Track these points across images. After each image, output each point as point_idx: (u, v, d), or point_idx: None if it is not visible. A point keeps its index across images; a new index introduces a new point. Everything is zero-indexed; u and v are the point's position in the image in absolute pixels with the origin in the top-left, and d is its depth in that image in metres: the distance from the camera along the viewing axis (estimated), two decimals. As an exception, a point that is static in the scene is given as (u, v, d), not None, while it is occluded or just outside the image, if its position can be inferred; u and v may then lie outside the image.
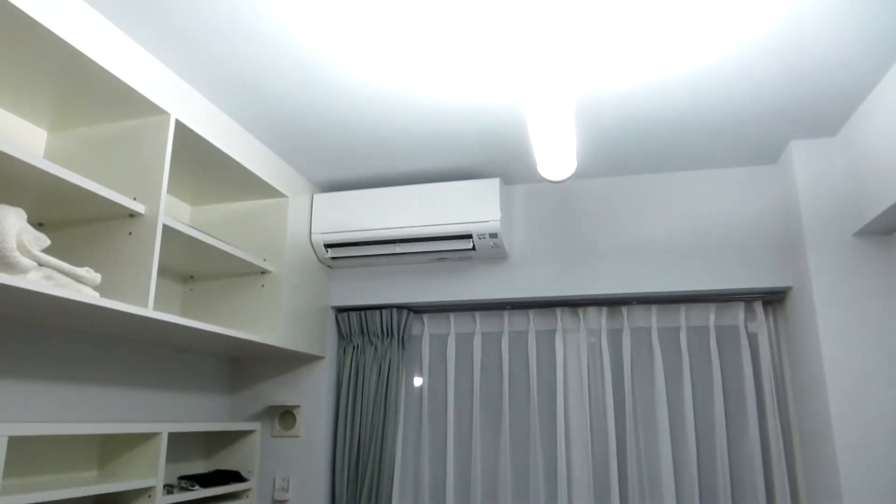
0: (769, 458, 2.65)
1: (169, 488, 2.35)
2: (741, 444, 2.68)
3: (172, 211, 2.64)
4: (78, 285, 1.66)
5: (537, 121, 1.79)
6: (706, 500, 2.65)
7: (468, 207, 2.73)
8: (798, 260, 2.55)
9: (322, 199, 2.91)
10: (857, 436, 2.24)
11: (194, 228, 2.17)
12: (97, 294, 1.69)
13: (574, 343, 2.93)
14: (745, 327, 2.76)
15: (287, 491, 2.86)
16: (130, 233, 1.91)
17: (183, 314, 2.66)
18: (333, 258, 2.91)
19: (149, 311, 1.84)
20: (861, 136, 2.27)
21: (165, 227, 1.99)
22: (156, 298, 2.51)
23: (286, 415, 2.95)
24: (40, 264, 1.57)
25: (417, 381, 3.05)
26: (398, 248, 2.83)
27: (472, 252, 2.81)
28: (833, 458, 2.26)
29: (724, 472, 2.63)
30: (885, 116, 2.08)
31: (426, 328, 3.07)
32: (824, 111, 2.30)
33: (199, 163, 2.36)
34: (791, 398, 2.70)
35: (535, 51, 1.72)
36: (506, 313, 3.00)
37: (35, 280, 1.53)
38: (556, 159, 1.80)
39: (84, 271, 1.68)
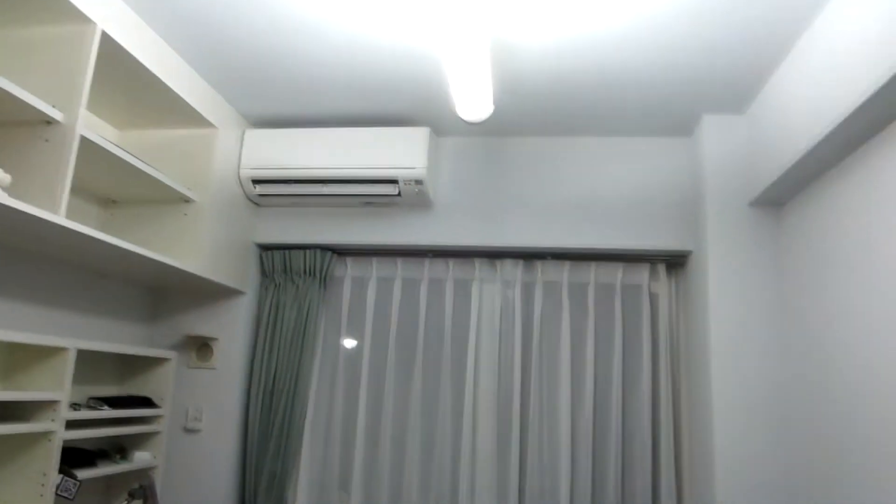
0: (658, 413, 2.84)
1: (76, 406, 2.35)
2: (634, 396, 2.87)
3: (97, 131, 2.60)
4: (-14, 183, 1.65)
5: (453, 59, 1.86)
6: (599, 446, 2.83)
7: (396, 153, 2.79)
8: (699, 226, 2.73)
9: (253, 135, 2.91)
10: (733, 397, 2.44)
11: (115, 145, 2.16)
12: (5, 194, 1.68)
13: (489, 293, 3.06)
14: (649, 287, 2.94)
15: (200, 421, 2.89)
16: (47, 140, 1.89)
17: (100, 235, 2.64)
18: (261, 195, 2.93)
19: (59, 219, 1.83)
20: (764, 113, 2.45)
21: (84, 139, 1.98)
22: (73, 217, 2.46)
23: (203, 347, 2.97)
24: (-53, 156, 1.55)
25: (336, 322, 3.12)
26: (325, 189, 2.87)
27: (398, 198, 2.88)
28: (710, 418, 2.46)
29: (617, 422, 2.81)
30: (783, 96, 2.25)
31: (348, 270, 3.14)
32: (735, 88, 2.46)
33: (128, 83, 2.33)
34: (683, 357, 2.90)
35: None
36: (427, 261, 3.09)
37: (-60, 171, 1.52)
38: (471, 99, 1.88)
39: (-6, 170, 1.67)
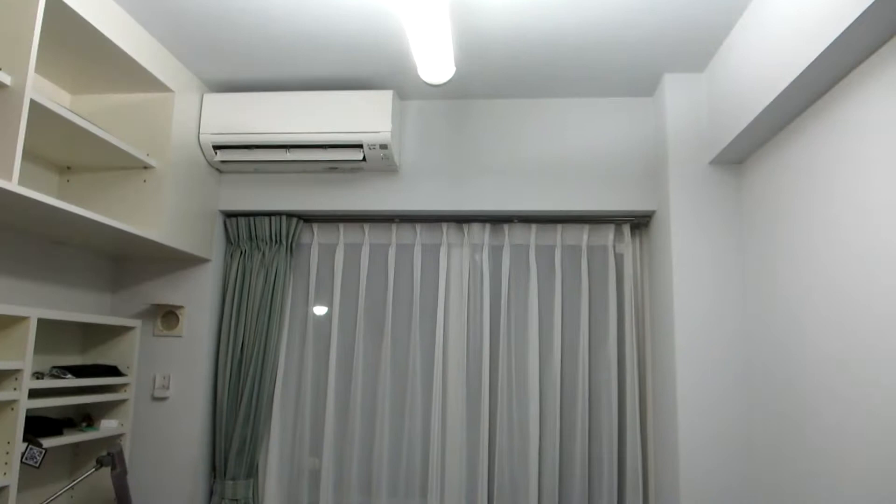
0: (623, 367, 2.92)
1: (39, 375, 2.34)
2: (601, 356, 2.93)
3: (50, 95, 2.53)
4: (-68, 148, 1.60)
5: (414, 20, 1.84)
6: (566, 403, 2.90)
7: (360, 117, 2.77)
8: (661, 186, 2.77)
9: (212, 100, 2.86)
10: (696, 354, 2.50)
11: (68, 110, 2.11)
12: (-46, 160, 1.64)
13: (457, 258, 3.07)
14: (614, 248, 2.99)
15: (168, 389, 2.89)
16: (-6, 104, 1.84)
17: (59, 205, 2.59)
18: (222, 161, 2.89)
19: (13, 186, 1.79)
20: (722, 71, 2.47)
21: (35, 103, 1.92)
22: (29, 184, 2.42)
23: (169, 315, 2.95)
24: None
25: (304, 288, 3.11)
26: (289, 155, 2.84)
27: (363, 163, 2.86)
28: (674, 375, 2.53)
29: (584, 379, 2.88)
30: (740, 53, 2.27)
31: (315, 237, 3.13)
32: (694, 46, 2.47)
33: (78, 45, 2.27)
34: (648, 316, 2.96)
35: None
36: (394, 226, 3.09)
37: None
38: (434, 61, 1.87)
39: (-61, 135, 1.62)
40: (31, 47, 1.86)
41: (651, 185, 2.86)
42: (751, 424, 2.43)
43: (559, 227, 3.01)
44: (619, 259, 3.00)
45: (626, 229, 2.99)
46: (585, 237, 2.99)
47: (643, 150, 2.90)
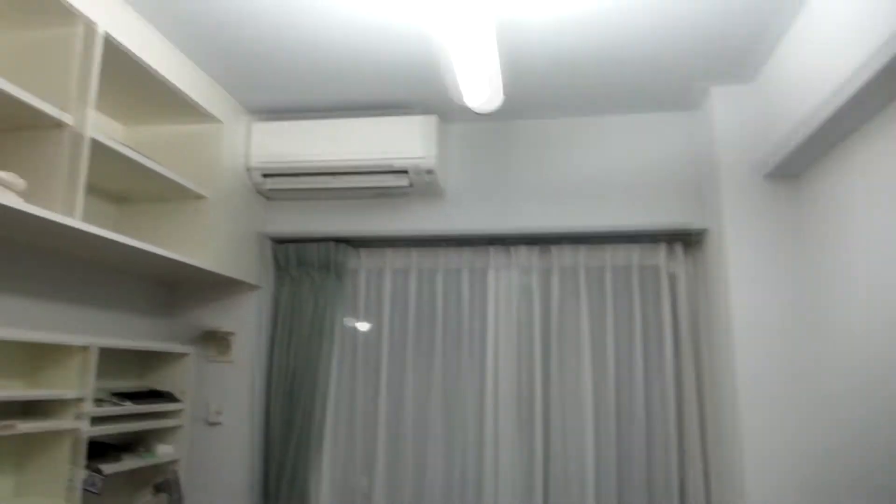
0: (682, 392, 2.83)
1: (99, 402, 2.39)
2: (657, 378, 2.84)
3: (106, 130, 2.62)
4: (2, 189, 1.67)
5: (459, 50, 1.84)
6: (623, 430, 2.82)
7: (405, 143, 2.78)
8: (713, 202, 2.69)
9: (260, 128, 2.92)
10: (757, 373, 2.41)
11: (125, 146, 2.17)
12: (21, 199, 1.70)
13: (505, 281, 3.05)
14: (666, 267, 2.91)
15: (220, 414, 2.93)
16: (57, 143, 1.91)
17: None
18: (271, 189, 2.94)
19: (76, 222, 1.86)
20: (773, 82, 2.40)
21: (94, 141, 1.99)
22: (87, 217, 2.48)
23: (221, 341, 3.00)
24: (-41, 163, 1.57)
25: (353, 314, 3.13)
26: (335, 182, 2.87)
27: (409, 188, 2.87)
28: (735, 392, 2.44)
29: (640, 403, 2.80)
30: (793, 63, 2.21)
31: (363, 262, 3.15)
32: (741, 57, 2.41)
33: (132, 81, 2.34)
34: (704, 335, 2.87)
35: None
36: (441, 250, 3.09)
37: (-46, 178, 1.54)
38: (480, 90, 1.86)
39: (8, 175, 1.69)
40: (90, 87, 1.93)
41: (703, 201, 2.79)
42: (818, 445, 2.32)
43: (608, 247, 2.96)
44: (671, 278, 2.93)
45: (679, 248, 2.92)
46: (636, 257, 2.93)
47: (692, 165, 2.83)
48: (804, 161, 2.35)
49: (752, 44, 2.32)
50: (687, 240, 2.91)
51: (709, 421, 2.79)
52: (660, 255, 2.93)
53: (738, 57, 2.41)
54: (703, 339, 2.87)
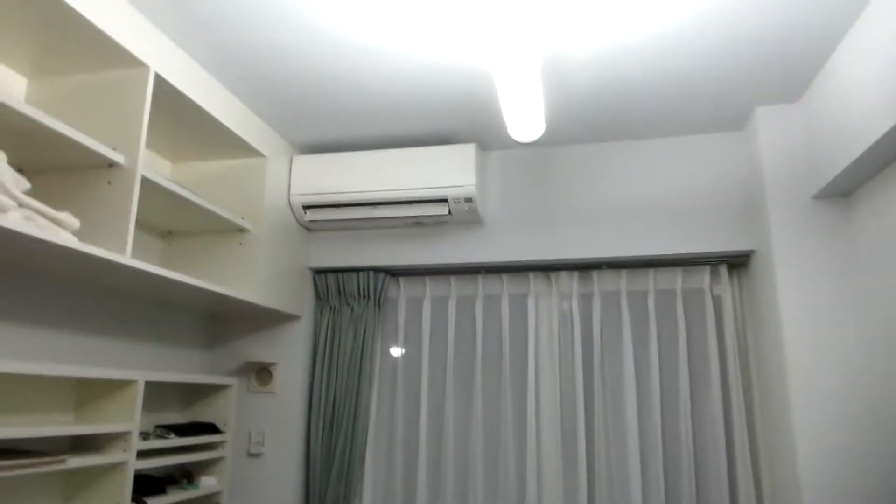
0: (731, 419, 2.75)
1: (145, 435, 2.41)
2: (704, 404, 2.78)
3: (153, 166, 2.68)
4: (57, 228, 1.71)
5: (505, 80, 1.85)
6: (669, 458, 2.75)
7: (444, 172, 2.79)
8: (760, 224, 2.64)
9: (301, 161, 2.96)
10: (813, 396, 2.34)
11: (173, 182, 2.21)
12: (75, 239, 1.74)
13: (546, 307, 3.02)
14: (711, 290, 2.85)
15: (262, 445, 2.93)
16: (110, 182, 1.95)
17: (162, 268, 2.71)
18: (312, 220, 2.96)
19: (126, 259, 1.89)
20: (821, 100, 2.35)
21: (144, 178, 2.03)
22: (135, 251, 2.55)
23: (263, 372, 3.02)
24: (20, 205, 1.61)
25: (393, 343, 3.13)
26: (376, 212, 2.89)
27: (448, 216, 2.87)
28: (789, 419, 2.37)
29: (687, 432, 2.73)
30: (842, 81, 2.16)
31: (402, 291, 3.15)
32: (787, 77, 2.38)
33: (180, 119, 2.40)
34: (753, 360, 2.80)
35: (502, 10, 1.77)
36: (480, 277, 3.07)
37: (15, 220, 1.57)
38: (524, 120, 1.86)
39: (63, 215, 1.73)
40: (141, 127, 1.97)
41: (747, 223, 2.74)
42: (876, 473, 2.23)
43: (651, 271, 2.91)
44: (717, 302, 2.87)
45: (724, 270, 2.86)
46: (679, 281, 2.88)
47: (736, 186, 2.79)
48: (854, 181, 2.29)
49: (798, 64, 2.28)
50: (732, 262, 2.85)
51: (760, 447, 2.71)
52: (704, 278, 2.87)
53: (784, 77, 2.38)
54: (752, 363, 2.80)
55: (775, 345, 2.50)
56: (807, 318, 2.41)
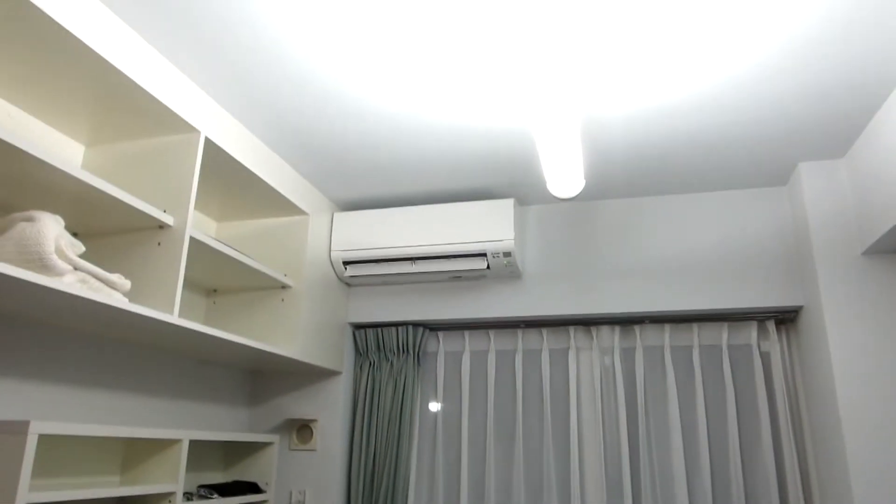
0: (784, 480, 2.64)
1: (188, 496, 2.40)
2: (755, 465, 2.68)
3: (199, 226, 2.74)
4: (109, 290, 1.75)
5: (545, 140, 1.87)
6: (720, 520, 2.64)
7: (483, 227, 2.80)
8: (808, 279, 2.57)
9: (342, 218, 3.00)
10: (869, 455, 2.24)
11: (219, 241, 2.26)
12: (126, 300, 1.78)
13: (587, 362, 2.96)
14: (758, 346, 2.78)
15: (304, 503, 2.90)
16: (159, 243, 2.00)
17: (206, 325, 2.75)
18: (352, 276, 2.99)
19: (174, 318, 1.92)
20: (867, 156, 2.32)
21: (192, 239, 2.08)
22: (181, 310, 2.59)
23: (303, 428, 3.00)
24: (75, 268, 1.66)
25: (432, 398, 3.09)
26: (414, 267, 2.90)
27: (487, 271, 2.87)
28: (846, 480, 2.26)
29: (739, 494, 2.62)
30: (889, 136, 2.13)
31: (441, 345, 3.13)
32: (831, 133, 2.35)
33: (226, 180, 2.47)
34: (805, 418, 2.70)
35: (543, 72, 1.80)
36: (520, 332, 3.04)
37: (70, 283, 1.62)
38: (564, 177, 1.87)
39: (116, 277, 1.77)
40: (191, 189, 2.03)
41: (795, 278, 2.67)
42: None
43: (695, 325, 2.85)
44: (765, 358, 2.78)
45: (771, 326, 2.78)
46: (725, 336, 2.81)
47: (782, 242, 2.73)
48: (906, 235, 2.23)
49: (842, 121, 2.26)
50: (780, 318, 2.77)
51: (819, 513, 2.58)
52: (751, 334, 2.80)
53: (828, 133, 2.36)
54: (805, 421, 2.69)
55: (828, 402, 2.40)
56: (860, 375, 2.32)
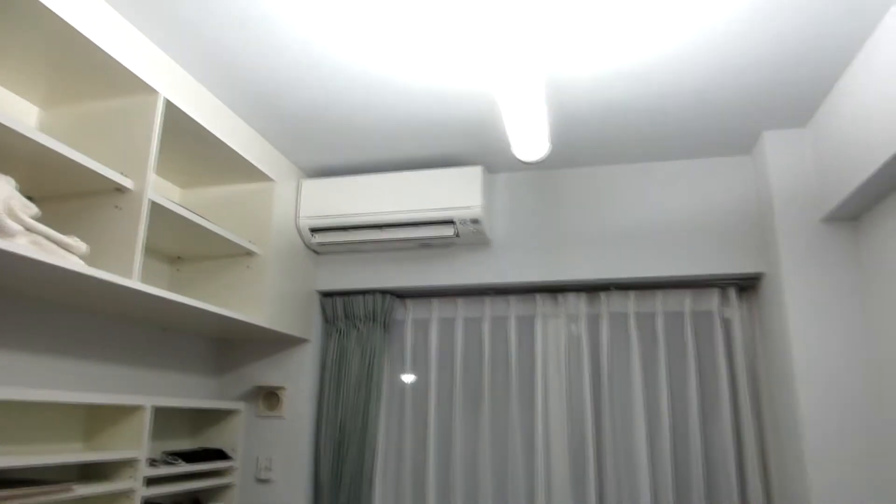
0: (742, 441, 2.71)
1: (153, 462, 2.40)
2: (715, 428, 2.75)
3: (162, 191, 2.69)
4: (65, 253, 1.72)
5: (509, 102, 1.86)
6: (680, 481, 2.72)
7: (451, 194, 2.79)
8: (769, 246, 2.62)
9: (309, 185, 2.97)
10: (823, 420, 2.31)
11: (182, 207, 2.23)
12: (83, 263, 1.75)
13: (553, 328, 3.00)
14: (720, 313, 2.83)
15: (270, 470, 2.91)
16: (118, 207, 1.97)
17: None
18: (319, 243, 2.97)
19: (134, 283, 1.89)
20: (829, 125, 2.35)
21: (153, 203, 2.05)
22: (144, 277, 2.56)
23: (271, 396, 3.00)
24: (28, 229, 1.62)
25: (400, 365, 3.11)
26: (383, 234, 2.89)
27: (455, 238, 2.87)
28: (800, 442, 2.33)
29: (698, 454, 2.69)
30: (850, 105, 2.16)
31: (409, 313, 3.14)
32: (794, 101, 2.38)
33: (189, 144, 2.42)
34: (763, 383, 2.77)
35: (505, 33, 1.79)
36: (487, 299, 3.06)
37: (23, 245, 1.58)
38: (528, 139, 1.87)
39: (71, 239, 1.74)
40: (151, 153, 1.99)
41: (756, 245, 2.72)
42: (890, 493, 2.18)
43: (659, 293, 2.89)
44: (726, 324, 2.84)
45: (732, 293, 2.84)
46: (688, 303, 2.86)
47: (744, 210, 2.78)
48: (862, 204, 2.28)
49: (805, 88, 2.29)
50: (742, 284, 2.83)
51: (772, 470, 2.66)
52: (713, 301, 2.85)
53: (791, 101, 2.38)
54: (763, 385, 2.76)
55: (785, 367, 2.47)
56: (816, 339, 2.39)
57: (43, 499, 1.80)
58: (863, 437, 2.27)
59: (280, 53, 2.12)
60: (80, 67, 1.91)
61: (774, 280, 2.57)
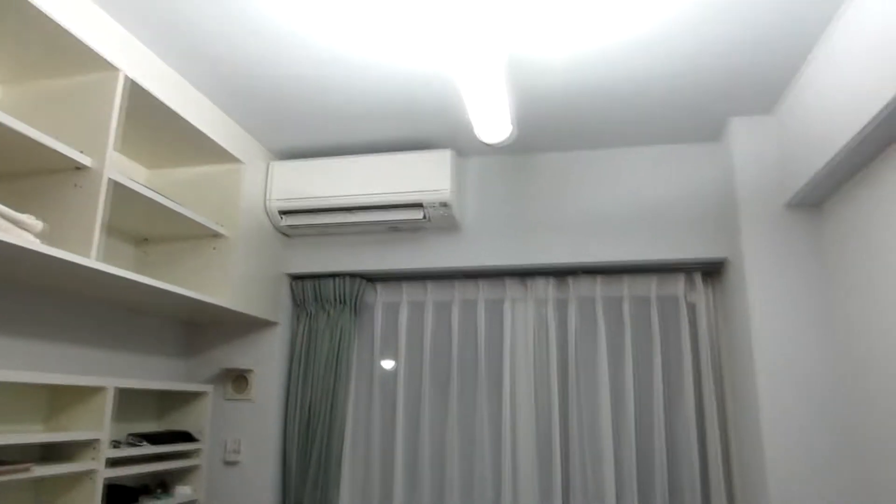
0: (704, 425, 2.76)
1: (117, 443, 2.39)
2: (678, 412, 2.79)
3: (128, 172, 2.66)
4: (19, 231, 1.69)
5: (469, 82, 1.86)
6: (643, 462, 2.76)
7: (420, 177, 2.79)
8: (733, 232, 2.66)
9: (278, 167, 2.95)
10: (783, 406, 2.35)
11: (145, 186, 2.20)
12: (38, 241, 1.73)
13: (522, 312, 3.02)
14: (685, 297, 2.87)
15: (238, 453, 2.91)
16: (77, 185, 1.94)
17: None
18: (289, 226, 2.96)
19: (92, 262, 1.87)
20: (793, 111, 2.38)
21: (115, 183, 2.02)
22: (108, 258, 2.53)
23: (239, 379, 3.00)
24: (-20, 207, 1.60)
25: (369, 348, 3.12)
26: (352, 217, 2.89)
27: (425, 222, 2.87)
28: (758, 425, 2.38)
29: (661, 438, 2.74)
30: (812, 91, 2.19)
31: (379, 296, 3.14)
32: (760, 87, 2.40)
33: (154, 124, 2.39)
34: (727, 369, 2.81)
35: (469, 14, 1.78)
36: (457, 283, 3.07)
37: (-25, 222, 1.56)
38: (490, 121, 1.87)
39: (26, 217, 1.72)
40: (110, 131, 1.96)
41: (721, 231, 2.76)
42: (846, 477, 2.23)
43: (626, 277, 2.92)
44: (691, 309, 2.88)
45: (698, 278, 2.88)
46: (654, 287, 2.89)
47: (711, 195, 2.81)
48: (825, 189, 2.32)
49: (770, 75, 2.31)
50: (706, 269, 2.86)
51: (733, 453, 2.71)
52: (678, 285, 2.89)
53: (757, 88, 2.40)
54: (726, 370, 2.81)
55: (746, 352, 2.51)
56: (777, 325, 2.42)
57: (0, 479, 1.79)
58: (822, 423, 2.32)
59: (248, 32, 2.09)
60: (40, 44, 1.88)
61: (737, 265, 2.60)
